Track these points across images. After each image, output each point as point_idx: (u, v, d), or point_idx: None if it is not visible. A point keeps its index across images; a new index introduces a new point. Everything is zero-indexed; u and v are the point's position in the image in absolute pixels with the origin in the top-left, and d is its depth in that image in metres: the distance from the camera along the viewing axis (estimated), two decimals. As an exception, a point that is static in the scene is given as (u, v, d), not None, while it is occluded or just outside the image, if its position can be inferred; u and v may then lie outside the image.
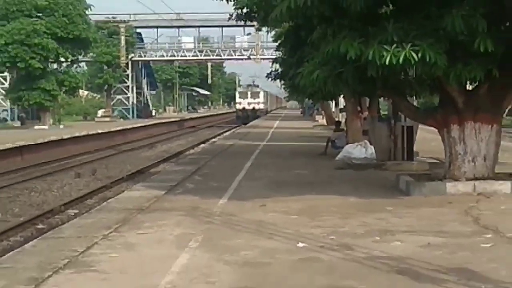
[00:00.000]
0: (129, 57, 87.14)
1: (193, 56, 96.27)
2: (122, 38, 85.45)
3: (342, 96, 32.50)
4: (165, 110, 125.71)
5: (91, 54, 76.25)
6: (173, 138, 62.57)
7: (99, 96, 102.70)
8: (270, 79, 40.74)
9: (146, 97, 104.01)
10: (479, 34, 13.90)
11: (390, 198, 15.32)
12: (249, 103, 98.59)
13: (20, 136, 46.85)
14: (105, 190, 26.27)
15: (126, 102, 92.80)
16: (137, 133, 65.40)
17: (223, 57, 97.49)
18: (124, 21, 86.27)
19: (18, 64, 58.25)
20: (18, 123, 70.78)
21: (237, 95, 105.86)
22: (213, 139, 54.67)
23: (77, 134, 51.35)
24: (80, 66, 78.24)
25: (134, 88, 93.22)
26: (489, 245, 10.37)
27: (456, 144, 16.13)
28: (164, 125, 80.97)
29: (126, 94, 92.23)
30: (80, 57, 70.05)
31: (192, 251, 10.12)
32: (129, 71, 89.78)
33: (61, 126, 64.02)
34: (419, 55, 13.49)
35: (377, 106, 28.58)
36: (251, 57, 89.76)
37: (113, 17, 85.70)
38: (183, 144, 55.48)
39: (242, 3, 24.82)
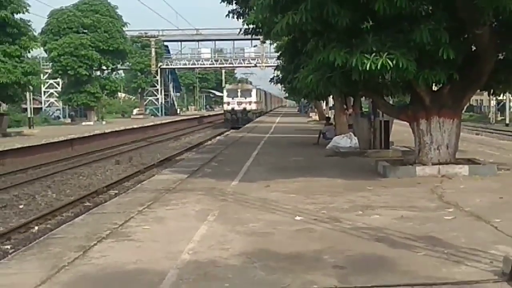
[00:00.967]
0: (158, 65, 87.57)
1: (210, 64, 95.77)
2: (153, 50, 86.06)
3: (331, 96, 32.28)
4: (187, 108, 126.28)
5: (127, 63, 77.09)
6: (194, 132, 62.46)
7: (134, 97, 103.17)
8: (272, 82, 41.08)
9: (172, 98, 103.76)
10: (443, 45, 13.86)
11: (370, 180, 15.28)
12: (239, 103, 70.01)
13: (71, 130, 47.14)
14: (139, 174, 26.28)
15: (156, 102, 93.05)
16: (165, 127, 65.26)
17: (234, 65, 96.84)
18: (154, 36, 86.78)
19: (69, 72, 59.62)
20: (68, 120, 72.40)
21: (225, 93, 75.81)
22: (227, 132, 54.39)
23: (116, 129, 51.98)
24: (118, 73, 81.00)
25: (162, 91, 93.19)
26: (451, 217, 10.39)
27: (424, 135, 16.12)
28: (187, 121, 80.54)
29: (156, 95, 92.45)
30: (119, 66, 71.67)
31: (210, 223, 10.16)
32: (158, 77, 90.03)
33: (104, 122, 64.89)
34: (394, 62, 13.45)
35: (359, 104, 28.49)
36: (257, 65, 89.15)
37: (145, 33, 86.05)
38: (202, 136, 55.51)
39: (250, 20, 24.65)
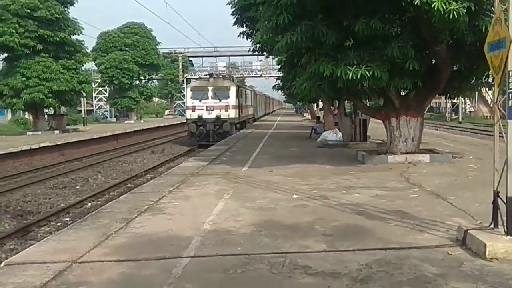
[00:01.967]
0: (184, 76, 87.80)
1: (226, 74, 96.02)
2: (180, 63, 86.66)
3: (321, 99, 32.24)
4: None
5: (160, 74, 77.95)
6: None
7: (165, 101, 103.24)
8: (274, 89, 41.56)
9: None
10: (409, 59, 13.84)
11: (351, 166, 15.25)
12: (209, 108, 36.63)
13: (115, 127, 47.44)
14: (170, 162, 26.38)
15: (183, 105, 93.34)
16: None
17: (244, 76, 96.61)
18: (181, 53, 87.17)
19: (114, 81, 61.70)
20: (114, 119, 74.67)
21: (189, 93, 39.13)
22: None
23: (151, 126, 52.63)
24: (153, 82, 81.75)
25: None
26: (416, 195, 10.38)
27: (394, 130, 16.11)
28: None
29: (183, 100, 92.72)
30: (153, 76, 72.99)
31: (225, 200, 10.17)
32: (184, 85, 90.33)
33: (142, 121, 66.11)
34: (370, 73, 13.44)
35: (343, 106, 28.43)
36: (263, 75, 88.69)
37: (174, 50, 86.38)
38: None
39: (256, 40, 24.69)
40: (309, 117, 59.50)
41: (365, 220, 8.30)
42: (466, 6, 12.18)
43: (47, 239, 7.76)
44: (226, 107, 36.29)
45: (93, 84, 63.51)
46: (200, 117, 35.66)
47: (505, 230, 6.44)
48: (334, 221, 8.22)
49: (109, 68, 60.38)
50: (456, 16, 12.07)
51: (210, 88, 36.59)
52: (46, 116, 41.93)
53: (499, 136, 6.82)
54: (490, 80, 16.23)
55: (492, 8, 11.93)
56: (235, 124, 37.71)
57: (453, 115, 70.32)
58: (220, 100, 36.22)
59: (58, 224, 13.30)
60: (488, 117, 62.97)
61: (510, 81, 6.36)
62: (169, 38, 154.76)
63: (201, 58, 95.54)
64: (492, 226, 6.74)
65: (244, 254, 6.54)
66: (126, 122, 64.01)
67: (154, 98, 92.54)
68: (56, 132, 39.19)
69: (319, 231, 7.65)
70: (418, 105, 16.34)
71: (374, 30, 13.51)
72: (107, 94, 78.24)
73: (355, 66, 13.52)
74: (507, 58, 6.36)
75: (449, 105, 70.56)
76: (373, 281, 5.48)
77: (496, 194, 6.69)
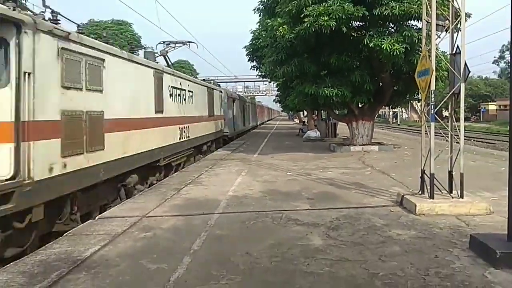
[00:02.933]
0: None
1: (242, 94, 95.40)
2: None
3: (305, 110, 32.14)
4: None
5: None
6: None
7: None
8: (275, 102, 41.91)
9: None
10: (366, 83, 13.88)
11: (326, 153, 15.16)
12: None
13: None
14: (206, 153, 25.98)
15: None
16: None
17: (254, 95, 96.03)
18: (212, 79, 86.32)
19: None
20: None
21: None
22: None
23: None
24: None
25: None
26: (369, 173, 10.33)
27: (355, 130, 16.05)
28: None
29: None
30: None
31: (242, 176, 10.14)
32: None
33: None
34: (340, 92, 13.45)
35: (320, 114, 28.32)
36: (267, 94, 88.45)
37: (208, 78, 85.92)
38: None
39: (262, 70, 24.77)
40: (298, 121, 59.26)
41: (335, 189, 8.28)
42: (404, 46, 12.19)
43: (125, 201, 7.82)
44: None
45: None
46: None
47: (429, 195, 6.42)
48: (314, 190, 8.21)
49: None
50: (397, 53, 12.10)
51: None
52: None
53: (425, 133, 6.82)
54: (418, 96, 16.18)
55: (421, 48, 11.88)
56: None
57: (394, 119, 69.82)
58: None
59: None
60: (418, 121, 62.58)
61: (432, 97, 6.35)
62: (203, 68, 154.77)
63: (226, 83, 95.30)
64: (420, 192, 6.73)
65: (255, 211, 6.54)
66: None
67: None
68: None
69: (305, 196, 7.65)
70: (370, 113, 16.28)
71: (342, 62, 13.54)
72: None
73: (330, 88, 13.54)
74: (430, 82, 6.35)
75: (391, 112, 70.16)
76: (341, 229, 5.48)
77: (423, 172, 6.67)
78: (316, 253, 4.58)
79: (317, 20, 11.82)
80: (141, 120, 9.07)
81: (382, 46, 12.02)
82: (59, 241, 5.27)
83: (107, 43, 7.86)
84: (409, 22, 13.43)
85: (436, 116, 6.44)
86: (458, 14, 6.41)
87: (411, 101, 19.44)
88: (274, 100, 42.62)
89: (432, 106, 6.35)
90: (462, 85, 6.28)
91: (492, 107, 60.24)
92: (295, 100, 15.61)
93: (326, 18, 11.75)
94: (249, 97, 47.80)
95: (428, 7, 6.52)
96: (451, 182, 6.50)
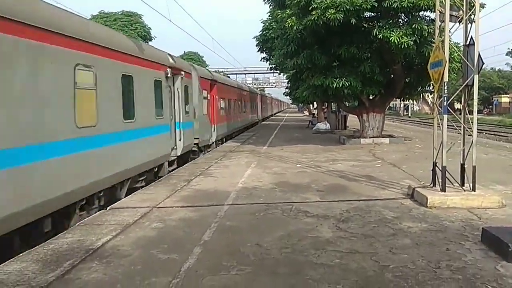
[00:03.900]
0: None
1: (252, 87, 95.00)
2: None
3: (315, 102, 31.99)
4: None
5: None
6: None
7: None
8: (284, 95, 41.54)
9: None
10: (376, 74, 13.75)
11: (336, 146, 15.12)
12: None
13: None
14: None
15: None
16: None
17: (264, 86, 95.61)
18: (222, 71, 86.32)
19: None
20: None
21: None
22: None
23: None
24: None
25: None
26: (379, 165, 10.28)
27: (365, 122, 15.94)
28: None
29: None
30: None
31: (252, 168, 10.17)
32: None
33: None
34: (349, 83, 13.35)
35: (330, 106, 28.13)
36: (277, 86, 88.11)
37: (218, 69, 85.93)
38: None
39: (272, 62, 24.64)
40: (307, 113, 59.08)
41: (345, 181, 8.26)
42: (413, 39, 12.06)
43: (136, 192, 7.88)
44: None
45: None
46: None
47: (440, 188, 6.36)
48: (324, 182, 8.20)
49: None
50: (406, 46, 11.97)
51: None
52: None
53: (437, 126, 6.74)
54: (430, 88, 16.01)
55: (433, 39, 11.72)
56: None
57: (405, 112, 69.16)
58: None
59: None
60: (429, 113, 61.93)
61: (445, 89, 6.27)
62: (214, 61, 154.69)
63: (235, 75, 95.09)
64: (431, 185, 6.67)
65: (265, 203, 6.56)
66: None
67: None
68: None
69: (315, 188, 7.64)
70: (381, 105, 16.14)
71: (352, 54, 13.38)
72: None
73: (338, 79, 13.43)
74: (443, 73, 6.26)
75: (402, 105, 69.49)
76: (351, 221, 5.47)
77: (434, 164, 6.61)
78: (326, 245, 4.58)
79: (324, 13, 11.70)
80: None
81: (390, 39, 11.89)
82: (71, 231, 5.35)
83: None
84: (421, 13, 13.23)
85: (449, 108, 6.36)
86: (472, 4, 6.29)
87: (423, 93, 19.20)
88: (284, 93, 42.26)
89: (445, 98, 6.26)
90: (476, 77, 6.18)
91: (505, 99, 59.33)
92: (305, 92, 15.53)
93: (333, 11, 11.62)
94: (258, 89, 46.74)
95: (442, -3, 6.40)
96: (463, 175, 6.43)
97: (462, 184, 6.42)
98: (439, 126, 6.54)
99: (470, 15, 6.33)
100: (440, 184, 6.36)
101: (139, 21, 35.95)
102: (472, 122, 6.25)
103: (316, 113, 34.22)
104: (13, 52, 4.83)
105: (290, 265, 4.03)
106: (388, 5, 12.00)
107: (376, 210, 5.95)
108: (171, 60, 11.13)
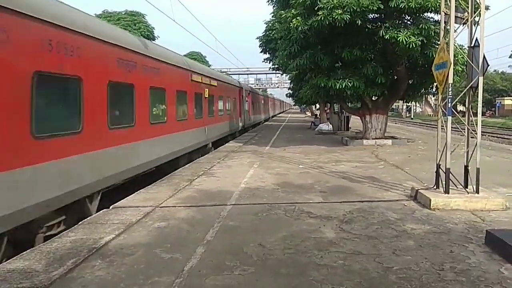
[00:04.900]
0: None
1: (254, 87, 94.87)
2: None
3: (318, 103, 31.95)
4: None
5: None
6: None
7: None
8: (286, 96, 41.24)
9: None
10: (379, 75, 13.68)
11: (338, 147, 15.08)
12: None
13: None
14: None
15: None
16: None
17: (266, 87, 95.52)
18: (225, 71, 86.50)
19: None
20: None
21: None
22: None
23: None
24: None
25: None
26: (382, 166, 10.23)
27: (368, 123, 15.89)
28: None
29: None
30: None
31: (254, 168, 10.14)
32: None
33: None
34: (352, 84, 13.31)
35: (333, 107, 28.10)
36: (279, 87, 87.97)
37: (220, 70, 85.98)
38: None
39: (275, 63, 24.64)
40: (310, 114, 59.01)
41: (348, 182, 8.24)
42: (420, 39, 12.02)
43: (138, 192, 7.88)
44: None
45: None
46: None
47: (444, 190, 6.34)
48: (327, 183, 8.18)
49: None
50: (414, 46, 11.93)
51: None
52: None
53: (441, 127, 6.72)
54: (434, 90, 15.99)
55: (437, 41, 11.70)
56: None
57: (407, 113, 69.05)
58: None
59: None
60: (432, 115, 61.81)
61: (449, 90, 6.25)
62: (218, 61, 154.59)
63: (238, 75, 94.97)
64: (435, 187, 6.65)
65: (267, 203, 6.54)
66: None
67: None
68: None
69: (317, 189, 7.62)
70: (384, 106, 16.09)
71: (355, 56, 13.35)
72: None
73: (341, 80, 13.41)
74: (448, 75, 6.24)
75: (404, 106, 69.37)
76: (354, 222, 5.46)
77: (438, 166, 6.59)
78: (329, 246, 4.56)
79: (331, 13, 11.69)
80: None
81: (398, 39, 11.86)
82: (74, 230, 5.35)
83: None
84: (426, 14, 13.20)
85: (453, 110, 6.34)
86: (477, 6, 6.27)
87: (426, 95, 19.17)
88: (286, 94, 42.10)
89: (449, 99, 6.25)
90: (481, 79, 6.17)
91: (508, 101, 59.18)
92: (308, 93, 15.51)
93: (340, 11, 11.61)
94: (260, 89, 46.64)
95: (447, -2, 6.38)
96: (467, 177, 6.41)
97: (466, 186, 6.40)
98: (443, 128, 6.51)
99: (475, 17, 6.32)
100: (444, 186, 6.34)
101: (142, 20, 36.05)
102: (476, 124, 6.23)
103: (318, 114, 34.23)
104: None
105: (293, 266, 4.02)
106: (395, 5, 11.97)
107: (379, 212, 5.93)
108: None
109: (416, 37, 11.89)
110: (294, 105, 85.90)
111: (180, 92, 11.85)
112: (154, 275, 3.85)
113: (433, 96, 24.31)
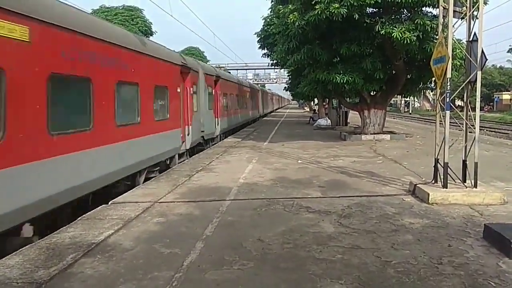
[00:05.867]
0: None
1: (252, 83, 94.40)
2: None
3: (316, 98, 31.92)
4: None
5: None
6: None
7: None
8: (284, 90, 41.13)
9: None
10: (377, 70, 13.69)
11: (337, 142, 15.11)
12: None
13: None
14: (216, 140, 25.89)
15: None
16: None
17: (265, 82, 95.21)
18: (223, 66, 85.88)
19: None
20: None
21: None
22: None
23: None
24: None
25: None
26: (380, 161, 10.27)
27: (366, 118, 15.91)
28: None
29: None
30: None
31: (253, 164, 10.15)
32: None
33: None
34: (351, 79, 13.30)
35: (331, 102, 28.09)
36: (277, 82, 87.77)
37: (219, 65, 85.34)
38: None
39: (273, 58, 24.55)
40: (308, 109, 58.96)
41: (346, 177, 8.25)
42: (416, 35, 12.00)
43: (137, 187, 7.89)
44: None
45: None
46: None
47: (442, 184, 6.36)
48: (325, 178, 8.19)
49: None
50: (409, 41, 11.91)
51: None
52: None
53: (439, 122, 6.72)
54: (432, 84, 15.99)
55: (435, 35, 11.69)
56: None
57: (405, 108, 69.09)
58: None
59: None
60: (430, 109, 61.83)
61: (448, 85, 6.25)
62: (215, 56, 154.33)
63: (236, 70, 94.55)
64: (433, 182, 6.67)
65: (266, 198, 6.56)
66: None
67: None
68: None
69: (316, 184, 7.63)
70: (382, 101, 16.10)
71: (353, 51, 13.34)
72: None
73: (341, 75, 13.41)
74: (447, 69, 6.24)
75: (403, 101, 69.41)
76: (353, 217, 5.47)
77: (436, 161, 6.61)
78: (328, 240, 4.58)
79: (328, 7, 11.65)
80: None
81: (392, 35, 11.84)
82: (73, 225, 5.34)
83: None
84: (424, 8, 13.18)
85: (452, 105, 6.34)
86: (475, 0, 6.26)
87: (424, 90, 19.18)
88: (284, 88, 42.00)
89: (448, 94, 6.25)
90: (479, 73, 6.17)
91: (506, 96, 59.22)
92: (306, 88, 15.51)
93: (337, 5, 11.57)
94: (259, 84, 46.49)
95: (446, -8, 6.37)
96: (465, 171, 6.43)
97: (464, 180, 6.41)
98: (441, 123, 6.52)
99: (474, 11, 6.31)
100: (442, 180, 6.35)
101: (140, 15, 35.87)
102: (474, 119, 6.24)
103: (317, 109, 34.22)
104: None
105: (292, 260, 4.04)
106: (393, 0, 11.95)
107: (377, 206, 5.94)
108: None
109: (411, 32, 11.87)
110: (293, 99, 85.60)
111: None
112: (154, 270, 3.85)
113: (431, 91, 24.28)
